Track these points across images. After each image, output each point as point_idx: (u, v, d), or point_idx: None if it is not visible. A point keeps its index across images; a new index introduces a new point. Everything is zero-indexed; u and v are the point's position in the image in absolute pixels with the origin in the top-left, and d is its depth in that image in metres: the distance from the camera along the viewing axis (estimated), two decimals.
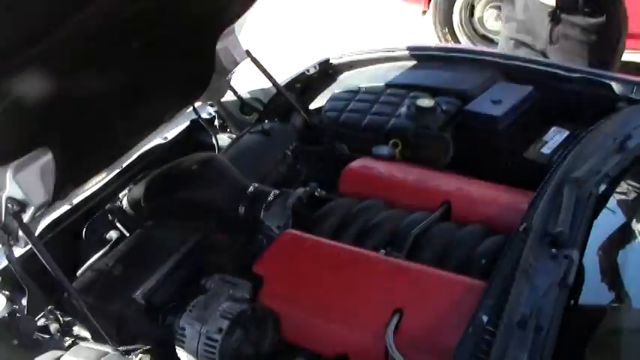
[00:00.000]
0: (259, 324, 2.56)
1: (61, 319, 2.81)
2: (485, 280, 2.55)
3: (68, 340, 2.63)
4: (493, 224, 2.89)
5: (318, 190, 3.17)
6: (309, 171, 3.55)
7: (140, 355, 2.62)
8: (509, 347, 2.19)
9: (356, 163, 3.28)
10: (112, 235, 3.22)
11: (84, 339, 2.78)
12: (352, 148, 3.53)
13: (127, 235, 3.18)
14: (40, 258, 2.62)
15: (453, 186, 3.06)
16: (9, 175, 2.55)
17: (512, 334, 2.23)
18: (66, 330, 2.80)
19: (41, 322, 2.79)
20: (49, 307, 2.83)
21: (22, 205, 2.64)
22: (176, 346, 2.58)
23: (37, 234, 2.93)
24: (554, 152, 3.38)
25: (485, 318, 2.32)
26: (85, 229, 3.26)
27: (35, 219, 2.77)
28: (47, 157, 2.66)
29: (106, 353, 2.44)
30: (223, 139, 3.87)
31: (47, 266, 2.61)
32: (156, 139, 3.67)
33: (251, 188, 3.10)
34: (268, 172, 3.46)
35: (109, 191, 3.46)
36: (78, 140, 2.84)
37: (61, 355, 2.46)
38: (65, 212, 3.29)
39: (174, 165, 3.22)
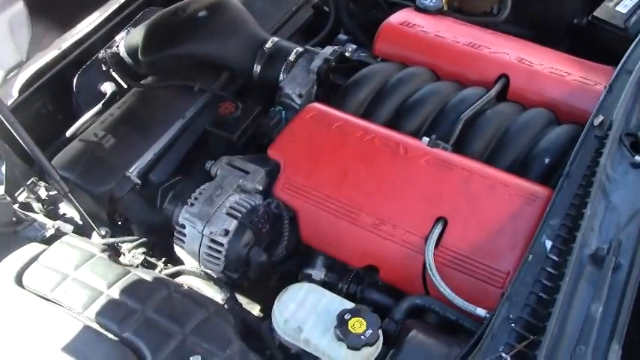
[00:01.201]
0: (273, 224, 2.15)
1: (43, 195, 2.42)
2: (548, 186, 2.12)
3: (51, 228, 2.23)
4: (559, 108, 2.38)
5: (351, 48, 2.62)
6: (340, 18, 2.99)
7: (133, 252, 2.24)
8: (577, 289, 1.79)
9: (396, 17, 2.70)
10: (107, 87, 2.72)
11: (70, 221, 2.40)
12: None
13: (125, 86, 2.69)
14: (10, 128, 2.16)
15: (513, 54, 2.50)
16: None
17: (582, 272, 1.82)
18: (50, 209, 2.41)
19: (22, 197, 2.39)
20: (31, 180, 2.43)
21: None
22: (174, 244, 2.18)
23: (15, 94, 2.48)
24: (634, 11, 2.79)
25: (548, 244, 1.90)
26: (75, 80, 2.77)
27: (7, 82, 2.29)
28: (18, 6, 2.12)
29: (92, 255, 2.05)
30: None
31: (18, 138, 2.16)
32: None
33: (269, 44, 2.57)
34: (289, 19, 2.90)
35: (103, 33, 2.93)
36: None
37: (42, 252, 2.08)
38: (52, 60, 2.79)
39: (179, 8, 2.65)
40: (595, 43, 2.84)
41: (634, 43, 2.43)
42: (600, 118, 2.15)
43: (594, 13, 2.81)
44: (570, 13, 2.91)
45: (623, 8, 2.80)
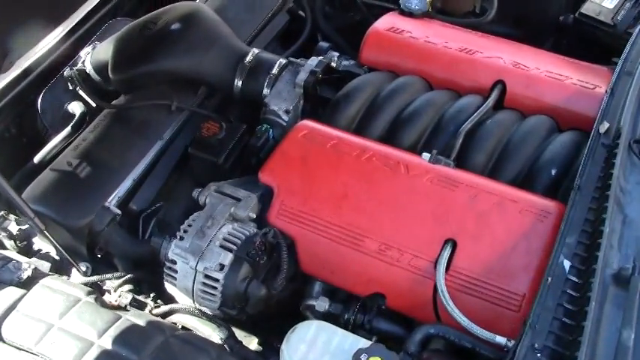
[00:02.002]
0: (270, 253, 2.01)
1: (14, 229, 2.24)
2: (555, 198, 2.02)
3: (27, 269, 2.05)
4: (559, 113, 2.29)
5: (335, 57, 2.48)
6: (316, 22, 2.85)
7: (119, 291, 2.08)
8: (604, 313, 1.69)
9: (382, 23, 2.56)
10: (75, 107, 2.53)
11: (47, 257, 2.23)
12: None
13: (93, 105, 2.51)
14: None
15: (507, 58, 2.39)
16: None
17: (607, 294, 1.73)
18: (23, 245, 2.24)
19: None
20: (1, 214, 2.25)
21: None
22: (164, 281, 2.03)
23: None
24: (621, 6, 2.72)
25: (567, 264, 1.80)
26: (39, 100, 2.58)
27: None
28: None
29: (78, 300, 1.89)
30: None
31: None
32: None
33: (249, 57, 2.41)
34: (264, 26, 2.75)
35: (66, 48, 2.73)
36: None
37: (20, 297, 1.91)
38: (12, 80, 2.59)
39: (149, 21, 2.46)
40: (583, 40, 2.76)
41: (629, 42, 2.35)
42: (606, 125, 2.06)
43: (581, 10, 2.73)
44: (555, 10, 2.82)
45: (609, 3, 2.73)
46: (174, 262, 1.99)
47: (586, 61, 2.50)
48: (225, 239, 1.98)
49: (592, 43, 2.76)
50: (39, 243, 2.26)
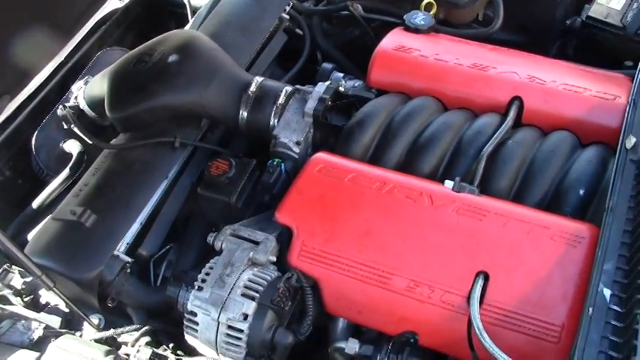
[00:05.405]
0: (294, 297, 1.92)
1: (19, 283, 2.13)
2: (584, 219, 1.95)
3: (38, 328, 1.94)
4: (580, 127, 2.20)
5: (342, 81, 2.38)
6: (315, 40, 2.75)
7: (137, 346, 1.98)
8: None
9: (388, 42, 2.45)
10: (71, 147, 2.43)
11: (56, 311, 2.12)
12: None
13: (89, 142, 2.39)
14: None
15: (522, 72, 2.30)
16: None
17: None
18: (30, 300, 2.13)
19: None
20: (3, 268, 2.14)
21: None
22: (185, 333, 1.93)
23: None
24: (629, 6, 2.64)
25: (607, 293, 1.72)
26: (33, 140, 2.47)
27: None
28: None
29: None
30: None
31: None
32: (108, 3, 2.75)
33: (253, 86, 2.30)
34: (262, 48, 2.64)
35: (57, 82, 2.63)
36: None
37: None
38: (3, 119, 2.48)
39: (144, 53, 2.34)
40: (591, 44, 2.68)
41: None
42: (633, 139, 1.98)
43: (589, 13, 2.64)
44: (562, 14, 2.74)
45: (617, 4, 2.64)
46: (194, 314, 1.89)
47: (595, 65, 2.42)
48: (246, 287, 1.88)
49: (600, 47, 2.68)
50: (46, 295, 2.15)
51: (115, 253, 2.06)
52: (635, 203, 1.87)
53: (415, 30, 2.47)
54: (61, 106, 2.42)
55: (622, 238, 1.82)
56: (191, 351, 1.99)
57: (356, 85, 2.39)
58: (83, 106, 2.44)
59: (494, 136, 2.11)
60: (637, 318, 1.63)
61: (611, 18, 2.62)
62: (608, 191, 1.90)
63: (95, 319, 2.07)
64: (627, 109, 2.10)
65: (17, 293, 2.11)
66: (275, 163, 2.17)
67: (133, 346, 1.98)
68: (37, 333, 1.95)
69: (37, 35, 2.06)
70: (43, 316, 2.08)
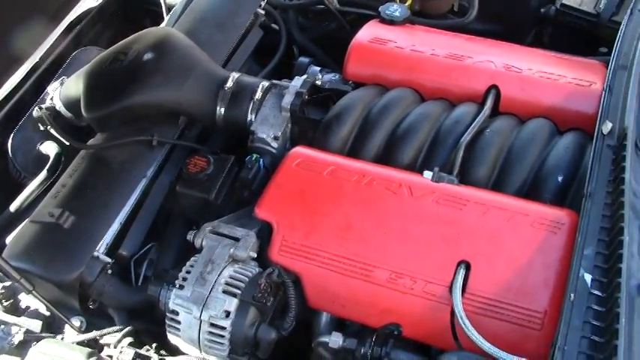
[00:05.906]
0: (276, 293, 1.91)
1: None
2: (563, 205, 1.95)
3: (18, 332, 1.92)
4: (556, 114, 2.21)
5: (319, 75, 2.38)
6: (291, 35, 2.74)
7: (119, 347, 1.96)
8: (634, 328, 1.63)
9: (363, 34, 2.45)
10: (48, 148, 2.39)
11: (37, 315, 2.10)
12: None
13: (66, 143, 2.36)
14: None
15: (498, 61, 2.31)
16: None
17: (634, 306, 1.67)
18: (9, 304, 2.10)
19: None
20: None
21: None
22: (167, 332, 1.92)
23: None
24: None
25: (588, 278, 1.73)
26: (9, 142, 2.44)
27: None
28: None
29: None
30: None
31: None
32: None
33: (230, 82, 2.29)
34: (239, 44, 2.63)
35: (32, 83, 2.59)
36: None
37: None
38: None
39: (119, 52, 2.32)
40: (566, 31, 2.69)
41: (619, 34, 2.28)
42: (609, 125, 1.99)
43: (563, 1, 2.66)
44: (536, 2, 2.74)
45: None
46: (176, 313, 1.87)
47: (570, 52, 2.44)
48: (227, 284, 1.87)
49: (575, 34, 2.69)
50: (26, 299, 2.13)
51: (95, 254, 2.04)
52: (613, 188, 1.88)
53: (390, 22, 2.47)
54: (36, 108, 2.40)
55: (601, 222, 1.83)
56: (174, 350, 1.97)
57: (333, 78, 2.38)
58: (59, 106, 2.41)
59: (472, 125, 2.12)
60: (618, 302, 1.64)
61: (585, 5, 2.64)
62: (587, 177, 1.91)
63: (77, 322, 2.05)
64: (603, 95, 2.11)
65: None
66: (253, 158, 2.16)
67: (115, 347, 1.96)
68: (18, 337, 1.92)
69: (23, 22, 2.03)
70: (23, 320, 2.05)
